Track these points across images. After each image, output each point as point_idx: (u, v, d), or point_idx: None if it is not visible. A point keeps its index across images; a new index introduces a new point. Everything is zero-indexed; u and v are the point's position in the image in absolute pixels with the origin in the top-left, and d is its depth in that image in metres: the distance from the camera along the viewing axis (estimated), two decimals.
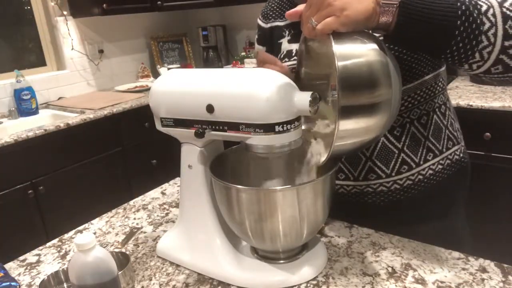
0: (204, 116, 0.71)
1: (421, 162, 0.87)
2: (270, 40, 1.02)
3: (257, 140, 0.67)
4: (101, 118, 2.34)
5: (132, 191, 2.51)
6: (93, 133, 2.33)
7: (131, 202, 1.13)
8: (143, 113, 2.49)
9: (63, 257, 0.90)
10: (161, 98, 0.77)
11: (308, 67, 0.82)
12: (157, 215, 1.04)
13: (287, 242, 0.74)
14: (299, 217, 0.70)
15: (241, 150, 0.73)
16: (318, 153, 0.75)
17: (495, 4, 0.64)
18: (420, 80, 0.84)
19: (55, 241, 0.96)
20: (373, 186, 0.89)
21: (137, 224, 1.01)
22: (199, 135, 0.71)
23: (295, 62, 0.89)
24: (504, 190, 1.84)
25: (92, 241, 0.61)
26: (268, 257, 0.79)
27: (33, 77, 2.61)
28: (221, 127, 0.70)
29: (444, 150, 0.89)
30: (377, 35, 0.67)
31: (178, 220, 0.86)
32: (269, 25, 1.02)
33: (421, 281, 0.72)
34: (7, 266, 0.88)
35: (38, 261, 0.89)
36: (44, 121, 2.48)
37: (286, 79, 0.68)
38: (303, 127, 0.73)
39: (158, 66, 3.28)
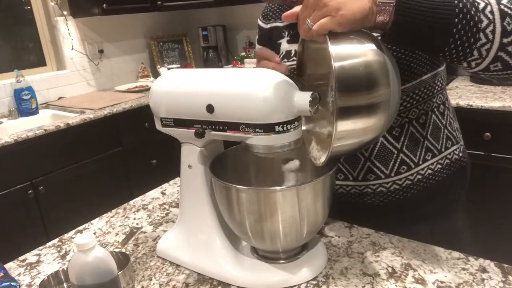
0: (204, 116, 0.71)
1: (420, 162, 0.87)
2: (270, 41, 1.02)
3: (257, 140, 0.67)
4: (101, 118, 2.34)
5: (132, 191, 2.51)
6: (93, 133, 2.33)
7: (131, 202, 1.13)
8: (143, 113, 2.49)
9: (63, 257, 0.90)
10: (161, 98, 0.77)
11: (308, 68, 0.82)
12: (157, 215, 1.04)
13: (287, 242, 0.74)
14: (299, 217, 0.70)
15: (241, 150, 0.73)
16: (318, 154, 0.75)
17: (493, 1, 0.63)
18: (418, 79, 0.84)
19: (55, 241, 0.96)
20: (372, 186, 0.89)
21: (137, 224, 1.01)
22: (199, 135, 0.71)
23: (294, 62, 0.89)
24: (504, 190, 1.83)
25: (92, 241, 0.61)
26: (268, 257, 0.79)
27: (33, 77, 2.61)
28: (221, 127, 0.70)
29: (443, 149, 0.89)
30: (375, 34, 0.67)
31: (178, 220, 0.86)
32: (269, 25, 1.02)
33: (421, 281, 0.72)
34: (7, 266, 0.88)
35: (38, 261, 0.89)
36: (44, 121, 2.48)
37: (286, 79, 0.68)
38: (303, 128, 0.73)
39: (158, 66, 3.28)
